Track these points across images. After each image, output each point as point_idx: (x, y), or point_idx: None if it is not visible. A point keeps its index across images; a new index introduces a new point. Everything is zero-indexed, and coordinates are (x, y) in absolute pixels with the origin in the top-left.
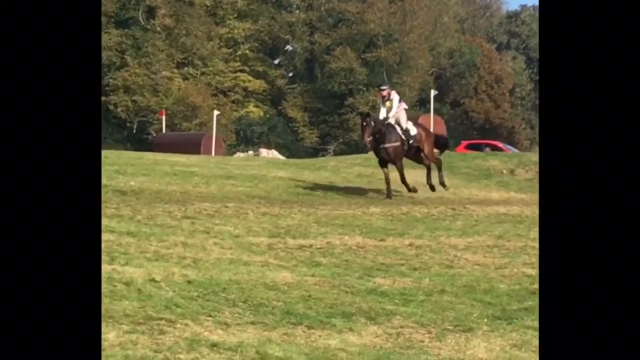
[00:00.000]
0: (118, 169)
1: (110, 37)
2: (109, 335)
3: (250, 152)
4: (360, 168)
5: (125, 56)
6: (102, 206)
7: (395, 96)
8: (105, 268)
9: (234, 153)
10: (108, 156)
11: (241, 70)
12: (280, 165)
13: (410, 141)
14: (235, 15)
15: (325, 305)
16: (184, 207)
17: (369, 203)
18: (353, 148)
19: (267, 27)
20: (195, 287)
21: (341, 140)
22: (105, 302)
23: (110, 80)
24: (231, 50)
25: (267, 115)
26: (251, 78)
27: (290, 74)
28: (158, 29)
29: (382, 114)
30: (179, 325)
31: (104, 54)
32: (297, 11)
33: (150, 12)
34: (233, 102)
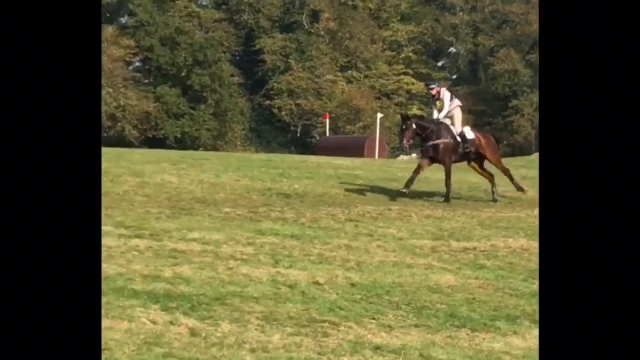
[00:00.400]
0: (282, 172)
1: (274, 41)
2: (273, 338)
3: (414, 155)
4: (525, 170)
5: (289, 60)
6: (267, 209)
7: (445, 94)
8: (270, 271)
9: (397, 156)
10: (272, 159)
11: (404, 73)
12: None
13: (465, 145)
14: (399, 17)
15: (489, 308)
16: (347, 210)
17: (534, 205)
18: (517, 150)
19: (431, 29)
20: (359, 290)
21: (505, 142)
22: (269, 304)
23: (275, 84)
24: (394, 52)
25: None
26: (414, 80)
27: (454, 76)
28: (322, 32)
29: (434, 114)
30: (342, 328)
31: (268, 58)
32: (461, 13)
33: (314, 15)
34: (396, 104)
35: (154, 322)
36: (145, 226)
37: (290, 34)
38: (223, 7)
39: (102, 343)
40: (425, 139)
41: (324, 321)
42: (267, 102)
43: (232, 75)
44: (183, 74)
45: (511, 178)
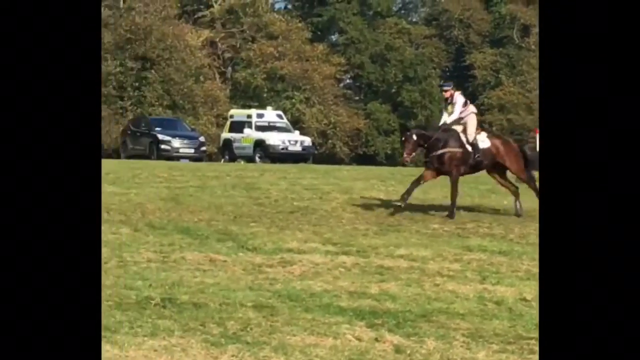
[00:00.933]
0: (491, 188)
1: (484, 57)
2: (479, 355)
3: None
4: None
5: (499, 75)
6: (475, 225)
7: (459, 99)
8: (476, 287)
9: None
10: (481, 175)
11: None
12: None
13: (477, 155)
14: None
15: None
16: None
17: None
18: None
19: None
20: None
21: None
22: (475, 321)
23: (485, 100)
24: None
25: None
26: None
27: None
28: (532, 46)
29: (444, 119)
30: None
31: (479, 73)
32: None
33: (525, 30)
34: None
35: (359, 339)
36: (353, 243)
37: (500, 49)
38: (433, 23)
39: (307, 359)
40: (429, 149)
41: (531, 338)
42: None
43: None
44: (393, 90)
45: (536, 190)
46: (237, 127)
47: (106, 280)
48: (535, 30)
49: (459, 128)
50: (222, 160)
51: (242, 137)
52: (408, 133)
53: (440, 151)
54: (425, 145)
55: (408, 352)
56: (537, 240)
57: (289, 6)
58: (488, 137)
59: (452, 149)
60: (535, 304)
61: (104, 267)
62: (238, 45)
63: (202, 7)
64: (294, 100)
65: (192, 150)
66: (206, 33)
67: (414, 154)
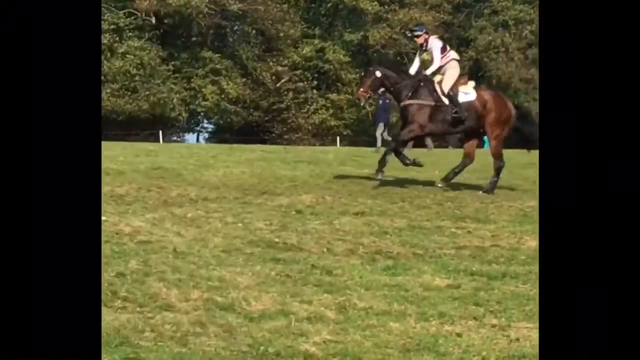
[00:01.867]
0: None
1: None
2: None
3: None
4: None
5: None
6: None
7: (435, 43)
8: None
9: None
10: None
11: None
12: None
13: (455, 110)
14: None
15: None
16: None
17: None
18: None
19: None
20: None
21: None
22: None
23: None
24: None
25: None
26: None
27: None
28: None
29: (414, 67)
30: None
31: None
32: None
33: None
34: None
35: None
36: None
37: None
38: None
39: None
40: (397, 97)
41: None
42: None
43: None
44: None
45: (496, 172)
46: None
47: None
48: None
49: (436, 78)
50: None
51: None
52: (371, 69)
53: (409, 101)
54: (392, 90)
55: None
56: None
57: None
58: (476, 88)
59: (423, 101)
60: None
61: None
62: None
63: None
64: None
65: None
66: None
67: (371, 93)
